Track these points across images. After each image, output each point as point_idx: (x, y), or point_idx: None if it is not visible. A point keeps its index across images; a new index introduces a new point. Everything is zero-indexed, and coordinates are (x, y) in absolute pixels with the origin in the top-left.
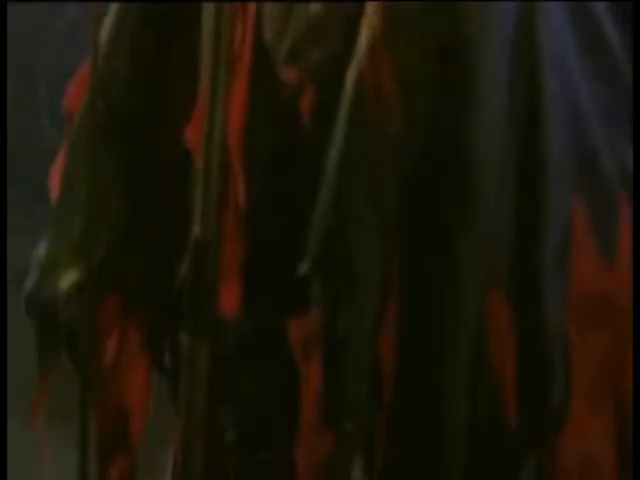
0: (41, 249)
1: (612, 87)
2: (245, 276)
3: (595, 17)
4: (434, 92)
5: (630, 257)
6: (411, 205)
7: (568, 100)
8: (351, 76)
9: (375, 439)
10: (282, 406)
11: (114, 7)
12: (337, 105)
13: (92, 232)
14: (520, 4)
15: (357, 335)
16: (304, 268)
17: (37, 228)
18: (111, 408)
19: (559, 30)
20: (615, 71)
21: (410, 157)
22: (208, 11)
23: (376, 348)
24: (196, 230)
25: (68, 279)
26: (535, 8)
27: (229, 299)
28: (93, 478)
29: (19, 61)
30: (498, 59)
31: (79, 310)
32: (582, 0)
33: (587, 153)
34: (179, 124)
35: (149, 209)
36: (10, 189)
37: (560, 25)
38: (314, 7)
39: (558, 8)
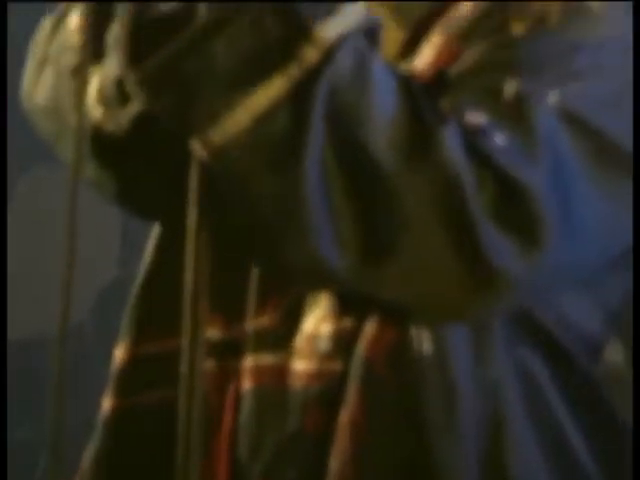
0: None
1: None
2: None
3: (561, 430)
4: None
5: None
6: None
7: None
8: None
9: None
10: None
11: None
12: None
13: None
14: (485, 425)
15: None
16: None
17: None
18: None
19: (525, 446)
20: None
21: None
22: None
23: None
24: None
25: None
26: (500, 423)
27: None
28: None
29: None
30: None
31: None
32: None
33: None
34: None
35: None
36: None
37: (526, 441)
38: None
39: (523, 422)
